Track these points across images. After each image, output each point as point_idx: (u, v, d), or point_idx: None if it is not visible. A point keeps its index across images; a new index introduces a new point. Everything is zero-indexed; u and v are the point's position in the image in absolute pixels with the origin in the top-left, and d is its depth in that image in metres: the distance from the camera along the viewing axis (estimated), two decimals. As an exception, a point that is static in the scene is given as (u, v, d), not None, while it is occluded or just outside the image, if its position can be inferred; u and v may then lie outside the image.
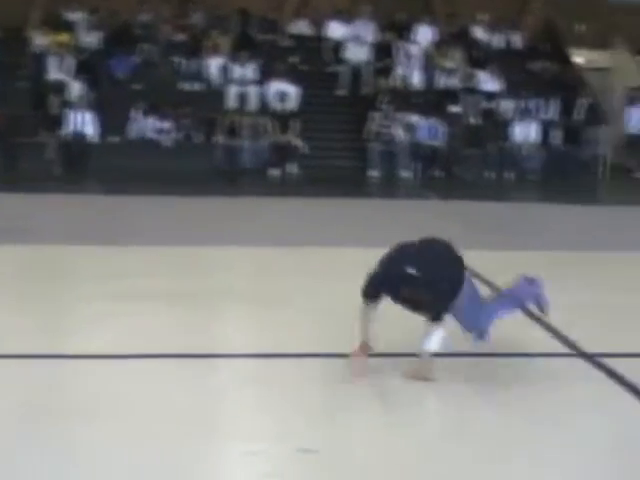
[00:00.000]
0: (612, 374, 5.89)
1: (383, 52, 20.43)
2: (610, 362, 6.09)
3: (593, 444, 4.82)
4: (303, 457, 4.49)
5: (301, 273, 8.86)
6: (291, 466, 4.45)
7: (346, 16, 20.96)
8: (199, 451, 4.51)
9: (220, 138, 17.72)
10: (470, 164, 18.62)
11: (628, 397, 5.54)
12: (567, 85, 20.79)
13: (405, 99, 19.10)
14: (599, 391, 5.68)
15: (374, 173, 17.92)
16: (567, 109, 20.03)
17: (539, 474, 4.42)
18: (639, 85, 21.16)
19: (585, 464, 4.55)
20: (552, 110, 19.89)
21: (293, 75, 19.22)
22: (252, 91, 18.74)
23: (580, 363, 6.20)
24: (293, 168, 17.79)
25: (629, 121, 20.42)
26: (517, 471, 4.47)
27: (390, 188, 17.15)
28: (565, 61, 21.57)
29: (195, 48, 19.58)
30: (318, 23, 21.03)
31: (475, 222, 12.39)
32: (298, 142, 17.89)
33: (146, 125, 18.00)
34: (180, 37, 20.00)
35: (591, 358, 6.22)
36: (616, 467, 4.56)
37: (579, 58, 22.21)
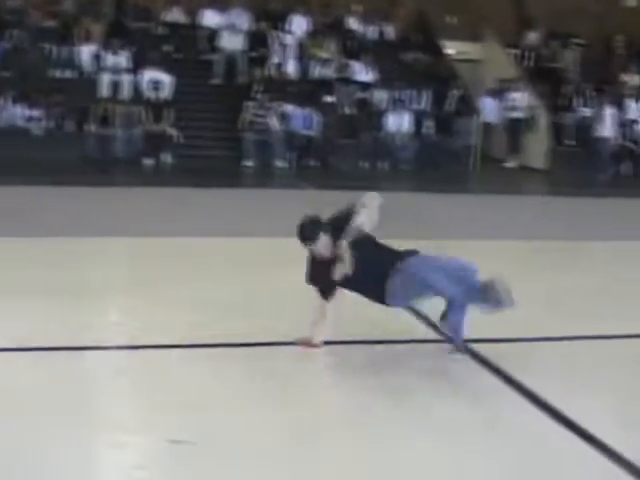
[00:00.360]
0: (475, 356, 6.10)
1: (258, 41, 20.41)
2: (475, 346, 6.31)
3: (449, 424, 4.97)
4: (173, 448, 4.49)
5: (171, 263, 8.84)
6: (160, 457, 4.45)
7: (221, 5, 20.85)
8: (65, 442, 4.48)
9: (92, 127, 17.45)
10: (344, 154, 18.77)
11: (489, 376, 5.74)
12: (439, 76, 21.16)
13: (280, 89, 19.14)
14: (463, 372, 5.86)
15: (249, 163, 17.91)
16: (439, 100, 20.38)
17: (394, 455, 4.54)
18: (508, 77, 21.66)
19: (429, 442, 4.70)
20: (424, 101, 20.22)
21: (167, 64, 19.04)
22: (125, 79, 18.51)
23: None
24: (167, 158, 17.64)
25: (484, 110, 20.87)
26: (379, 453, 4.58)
27: (265, 178, 17.18)
28: (437, 53, 21.92)
29: (66, 35, 19.20)
30: (192, 11, 20.86)
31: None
32: (172, 131, 17.75)
33: (15, 113, 17.60)
34: (50, 23, 19.58)
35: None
36: (482, 444, 4.72)
37: (450, 50, 22.61)
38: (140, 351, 6.07)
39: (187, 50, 20.32)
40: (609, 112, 20.04)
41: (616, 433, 4.95)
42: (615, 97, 21.42)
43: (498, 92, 21.27)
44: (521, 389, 5.54)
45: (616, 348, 6.69)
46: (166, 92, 18.46)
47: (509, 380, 5.70)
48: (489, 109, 20.87)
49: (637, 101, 21.25)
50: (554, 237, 11.27)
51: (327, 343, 6.22)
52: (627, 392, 5.76)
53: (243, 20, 20.56)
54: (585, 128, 20.66)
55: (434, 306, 6.31)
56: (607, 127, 19.98)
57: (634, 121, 20.65)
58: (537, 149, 20.43)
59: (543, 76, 22.01)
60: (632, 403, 5.54)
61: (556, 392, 5.46)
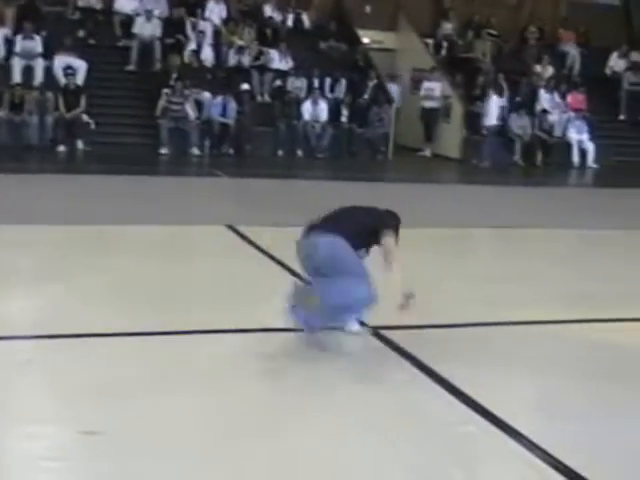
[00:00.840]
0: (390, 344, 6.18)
1: (174, 28, 20.26)
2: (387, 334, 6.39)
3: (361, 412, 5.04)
4: (85, 439, 4.47)
5: (85, 251, 8.77)
6: (72, 449, 4.43)
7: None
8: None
9: (4, 113, 17.12)
10: (261, 142, 18.76)
11: (406, 365, 5.83)
12: (355, 65, 21.28)
13: (196, 76, 19.04)
14: (378, 361, 5.94)
15: (164, 150, 17.79)
16: (355, 89, 20.47)
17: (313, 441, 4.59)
18: (424, 66, 21.86)
19: (351, 428, 4.76)
20: (340, 89, 20.30)
21: (81, 49, 18.79)
22: (38, 65, 18.19)
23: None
24: (81, 145, 17.42)
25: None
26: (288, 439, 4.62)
27: (180, 166, 17.08)
28: (353, 41, 22.01)
29: (-24, 18, 18.82)
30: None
31: (262, 199, 12.57)
32: (86, 118, 17.54)
33: None
34: (-40, 6, 19.18)
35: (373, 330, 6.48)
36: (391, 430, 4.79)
37: (366, 39, 22.71)
38: (53, 340, 6.02)
39: (102, 36, 20.05)
40: (494, 100, 20.36)
41: (529, 420, 5.08)
42: (528, 87, 21.82)
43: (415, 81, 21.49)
44: (434, 376, 5.63)
45: (531, 334, 6.85)
46: (80, 78, 18.20)
47: (422, 367, 5.79)
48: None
49: (550, 92, 21.62)
50: (468, 225, 11.44)
51: (243, 331, 6.29)
52: (540, 378, 5.89)
53: (159, 6, 20.38)
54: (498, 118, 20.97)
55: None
56: (492, 116, 20.32)
57: (546, 111, 21.01)
58: (451, 138, 20.67)
59: (458, 66, 22.27)
60: (545, 390, 5.68)
61: (469, 378, 5.57)
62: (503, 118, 20.63)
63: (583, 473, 4.39)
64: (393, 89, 21.34)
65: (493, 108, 20.22)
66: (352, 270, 5.97)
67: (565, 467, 4.45)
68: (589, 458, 4.61)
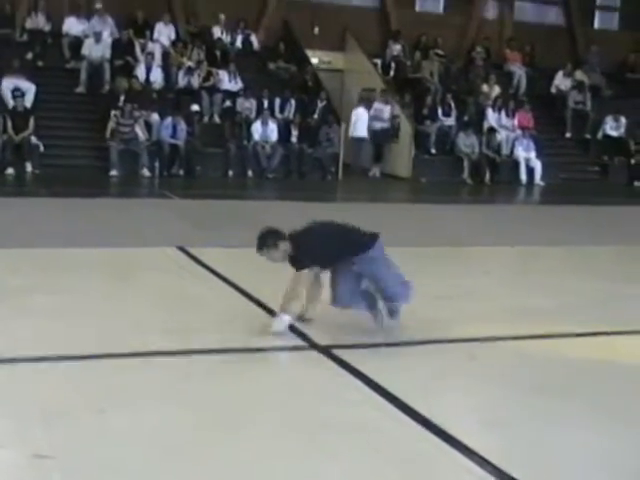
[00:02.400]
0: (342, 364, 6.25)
1: (123, 50, 20.26)
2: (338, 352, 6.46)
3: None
4: (37, 463, 4.48)
5: (33, 274, 8.73)
6: (24, 473, 4.43)
7: (84, 12, 20.61)
8: None
9: (-48, 136, 17.01)
10: (211, 163, 18.78)
11: (357, 383, 5.89)
12: (304, 85, 21.40)
13: (145, 98, 19.03)
14: (329, 379, 6.00)
15: (114, 172, 17.75)
16: (304, 109, 20.58)
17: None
18: (372, 87, 22.04)
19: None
20: (290, 110, 20.40)
21: (29, 71, 18.72)
22: (-14, 87, 18.10)
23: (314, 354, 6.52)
24: (30, 167, 17.31)
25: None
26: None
27: (130, 187, 17.03)
28: (302, 62, 22.14)
29: None
30: (55, 18, 20.50)
31: (213, 220, 12.59)
32: (35, 140, 17.44)
33: None
34: None
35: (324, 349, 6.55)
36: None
37: (315, 59, 22.85)
38: (3, 365, 6.00)
39: (50, 58, 20.01)
40: (361, 111, 20.60)
41: (480, 435, 5.15)
42: (476, 107, 22.09)
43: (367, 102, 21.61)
44: (385, 394, 5.69)
45: (481, 349, 6.96)
46: (29, 100, 18.11)
47: (373, 385, 5.85)
48: (362, 120, 21.06)
49: (497, 111, 21.90)
50: (416, 243, 11.53)
51: (191, 352, 6.32)
52: (490, 393, 5.99)
53: (107, 28, 20.35)
54: (447, 137, 21.21)
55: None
56: (359, 128, 20.57)
57: (494, 130, 21.26)
58: (400, 158, 20.83)
59: (406, 86, 22.48)
60: (495, 405, 5.77)
61: (420, 395, 5.65)
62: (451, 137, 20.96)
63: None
64: (360, 113, 21.27)
65: (359, 119, 20.51)
66: None
67: (513, 480, 4.54)
68: (539, 472, 4.70)
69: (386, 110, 20.99)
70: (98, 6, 20.46)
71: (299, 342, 6.77)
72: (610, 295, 9.09)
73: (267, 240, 6.74)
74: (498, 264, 10.98)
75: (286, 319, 6.68)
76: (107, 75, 19.59)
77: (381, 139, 21.03)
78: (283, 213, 13.57)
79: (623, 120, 22.85)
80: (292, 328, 6.94)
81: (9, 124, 17.33)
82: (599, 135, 23.04)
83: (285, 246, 6.71)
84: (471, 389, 6.03)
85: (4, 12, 20.17)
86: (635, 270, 10.59)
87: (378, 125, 21.00)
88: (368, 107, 21.18)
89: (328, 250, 6.78)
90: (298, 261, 6.70)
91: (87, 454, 4.64)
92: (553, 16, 26.61)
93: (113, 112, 18.12)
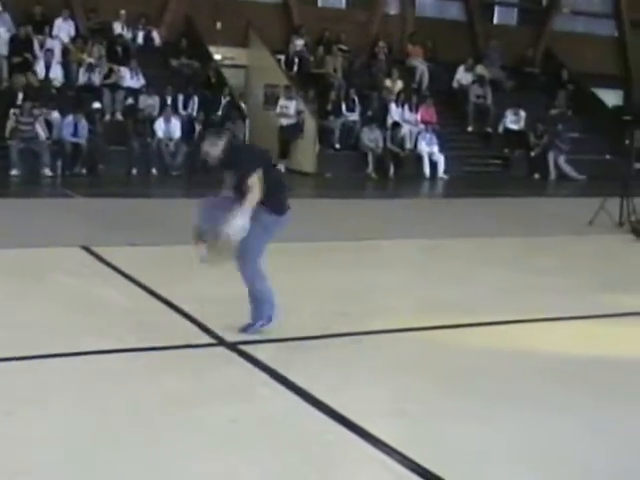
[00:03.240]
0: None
1: (21, 47, 19.84)
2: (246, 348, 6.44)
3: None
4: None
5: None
6: None
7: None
8: None
9: None
10: (114, 161, 18.55)
11: (265, 378, 5.88)
12: (207, 82, 21.28)
13: (45, 95, 18.71)
14: (237, 375, 5.98)
15: (15, 172, 17.40)
16: (208, 105, 20.47)
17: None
18: (276, 82, 22.04)
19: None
20: (193, 106, 20.27)
21: None
22: None
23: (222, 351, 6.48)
24: None
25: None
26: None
27: (31, 187, 16.72)
28: (205, 58, 22.00)
29: None
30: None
31: (117, 219, 12.43)
32: None
33: None
34: None
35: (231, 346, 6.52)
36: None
37: (218, 55, 22.73)
38: None
39: (-55, 55, 19.53)
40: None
41: (386, 425, 5.19)
42: (379, 102, 22.25)
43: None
44: (293, 387, 5.71)
45: (385, 342, 7.01)
46: None
47: (281, 379, 5.86)
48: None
49: (400, 105, 22.08)
50: (319, 238, 11.56)
51: (98, 352, 6.24)
52: (396, 384, 6.03)
53: (4, 24, 19.93)
54: (351, 132, 21.31)
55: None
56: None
57: (397, 125, 21.43)
58: (306, 153, 20.87)
59: (310, 82, 22.52)
60: (400, 395, 5.82)
61: (327, 388, 5.67)
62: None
63: (440, 474, 4.54)
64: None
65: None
66: None
67: (424, 470, 4.58)
68: (446, 460, 4.76)
69: (291, 106, 21.00)
70: (-2, 3, 20.05)
71: (208, 339, 6.74)
72: (514, 285, 9.25)
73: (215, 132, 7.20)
74: (403, 257, 11.07)
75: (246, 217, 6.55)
76: (5, 72, 19.19)
77: (287, 135, 21.02)
78: (188, 211, 13.49)
79: (522, 114, 23.26)
80: (199, 325, 6.92)
81: None
82: (500, 129, 23.40)
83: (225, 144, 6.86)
84: (377, 380, 6.07)
85: None
86: (537, 260, 10.79)
87: (285, 121, 20.99)
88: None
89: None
90: (247, 164, 6.77)
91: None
92: (454, 11, 26.94)
93: (12, 110, 17.76)
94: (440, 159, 21.17)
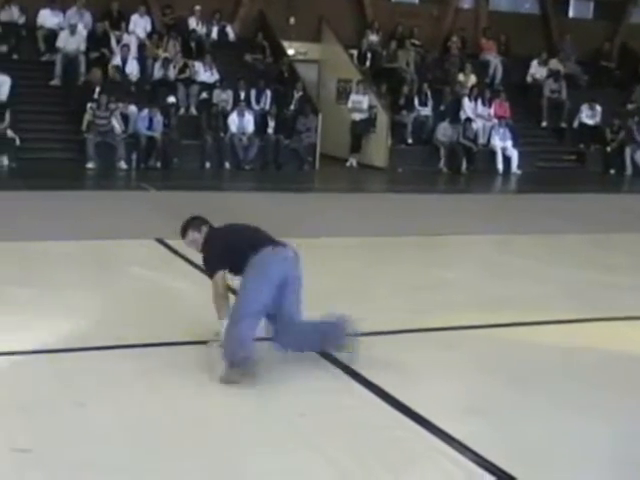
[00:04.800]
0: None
1: (98, 42, 20.16)
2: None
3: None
4: (16, 457, 4.49)
5: (11, 267, 8.71)
6: (3, 467, 4.43)
7: (59, 4, 20.50)
8: None
9: None
10: (188, 155, 18.74)
11: (337, 372, 5.91)
12: (280, 76, 21.38)
13: (121, 90, 18.96)
14: (308, 368, 6.02)
15: (91, 165, 17.68)
16: (281, 100, 20.57)
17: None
18: (349, 77, 22.07)
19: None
20: (266, 101, 20.37)
21: (4, 64, 18.60)
22: (-40, 81, 17.99)
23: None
24: (6, 160, 17.23)
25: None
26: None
27: (107, 180, 16.99)
28: (278, 53, 22.10)
29: None
30: (29, 11, 20.36)
31: (190, 212, 12.53)
32: (11, 134, 17.36)
33: None
34: None
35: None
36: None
37: (291, 50, 22.83)
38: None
39: (25, 50, 19.89)
40: None
41: (457, 421, 5.20)
42: (452, 96, 22.14)
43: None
44: (365, 382, 5.74)
45: (456, 338, 7.01)
46: (4, 93, 18.01)
47: (353, 373, 5.90)
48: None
49: (473, 100, 21.96)
50: (393, 233, 11.58)
51: (171, 344, 6.33)
52: (467, 381, 6.04)
53: (83, 20, 20.24)
54: (423, 126, 21.26)
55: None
56: None
57: (470, 120, 21.31)
58: (377, 148, 20.87)
59: (382, 76, 22.49)
60: (472, 392, 5.82)
61: (398, 383, 5.70)
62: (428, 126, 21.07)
63: (511, 472, 4.54)
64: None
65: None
66: None
67: (493, 466, 4.58)
68: (518, 458, 4.76)
69: (364, 101, 21.00)
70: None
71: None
72: (585, 283, 9.17)
73: (191, 223, 6.30)
74: (472, 253, 11.04)
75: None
76: (82, 68, 19.48)
77: (359, 129, 21.03)
78: (260, 204, 13.61)
79: (598, 108, 22.94)
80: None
81: (-16, 117, 17.25)
82: (575, 124, 23.11)
83: (199, 235, 6.19)
84: (448, 377, 6.07)
85: (-23, 5, 20.06)
86: (609, 258, 10.69)
87: (357, 116, 21.01)
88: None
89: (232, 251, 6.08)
90: (206, 264, 6.19)
91: (66, 448, 4.65)
92: (528, 5, 26.69)
93: (89, 105, 18.04)
94: (513, 154, 21.00)
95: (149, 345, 6.38)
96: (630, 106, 24.20)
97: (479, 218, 13.49)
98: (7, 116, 17.37)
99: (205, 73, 20.25)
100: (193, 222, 6.27)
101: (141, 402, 5.35)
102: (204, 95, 19.99)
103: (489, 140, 21.30)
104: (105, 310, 7.24)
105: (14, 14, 20.16)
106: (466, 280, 9.19)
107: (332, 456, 4.69)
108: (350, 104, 21.15)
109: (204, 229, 6.20)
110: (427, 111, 21.50)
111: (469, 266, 10.09)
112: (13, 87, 18.19)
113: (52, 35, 19.85)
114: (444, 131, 20.75)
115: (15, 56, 19.64)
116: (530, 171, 20.86)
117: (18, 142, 17.44)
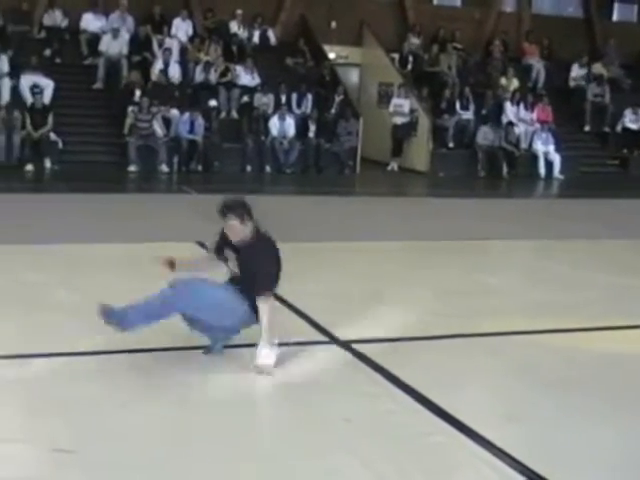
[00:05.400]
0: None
1: (140, 46, 20.29)
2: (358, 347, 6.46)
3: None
4: (57, 457, 4.50)
5: (53, 270, 8.76)
6: (45, 467, 4.45)
7: (102, 8, 20.66)
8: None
9: (-29, 133, 17.04)
10: (229, 158, 18.80)
11: (377, 378, 5.89)
12: (321, 80, 21.39)
13: (163, 93, 19.05)
14: (349, 373, 6.00)
15: (133, 168, 17.79)
16: (321, 104, 20.57)
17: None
18: (390, 81, 22.03)
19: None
20: (307, 104, 20.38)
21: (47, 68, 18.78)
22: (4, 84, 18.14)
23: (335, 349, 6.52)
24: (49, 163, 17.38)
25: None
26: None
27: (149, 183, 17.07)
28: (319, 57, 22.11)
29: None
30: (72, 15, 20.54)
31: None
32: (54, 137, 17.50)
33: None
34: None
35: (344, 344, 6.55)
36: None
37: (332, 54, 22.84)
38: (22, 360, 6.03)
39: (68, 54, 20.07)
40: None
41: (498, 428, 5.16)
42: (494, 100, 22.02)
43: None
44: (406, 388, 5.71)
45: (499, 344, 6.95)
46: (47, 97, 18.18)
47: (394, 379, 5.86)
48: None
49: (515, 104, 21.83)
50: (435, 237, 11.54)
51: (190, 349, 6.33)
52: (509, 387, 5.99)
53: (125, 24, 20.39)
54: (465, 130, 21.17)
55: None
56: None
57: (512, 124, 21.19)
58: (418, 152, 20.80)
59: (424, 80, 22.42)
60: (514, 398, 5.77)
61: (439, 389, 5.66)
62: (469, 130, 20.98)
63: (550, 478, 4.49)
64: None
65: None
66: None
67: (534, 473, 4.53)
68: (558, 465, 4.71)
69: (406, 104, 20.95)
70: (120, 2, 20.47)
71: (321, 337, 6.79)
72: (625, 289, 9.06)
73: (235, 208, 6.10)
74: (510, 258, 10.96)
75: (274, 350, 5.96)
76: (124, 71, 19.62)
77: (401, 133, 20.98)
78: (301, 208, 13.62)
79: (642, 113, 22.74)
80: (311, 322, 6.98)
81: (28, 120, 17.38)
82: (618, 128, 22.91)
83: (241, 226, 6.07)
84: (490, 383, 6.03)
85: (22, 9, 20.23)
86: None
87: (399, 120, 20.96)
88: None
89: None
90: (266, 277, 5.99)
91: (108, 448, 4.66)
92: (571, 8, 26.49)
93: (131, 108, 18.16)
94: (556, 159, 20.85)
95: (191, 348, 6.34)
96: (674, 110, 23.93)
97: (520, 223, 13.39)
98: (50, 119, 17.52)
99: (246, 77, 20.30)
100: (237, 209, 6.08)
101: (186, 403, 5.34)
102: (245, 99, 20.04)
103: (531, 144, 21.17)
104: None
105: (57, 18, 20.36)
106: (507, 285, 9.12)
107: (374, 463, 4.66)
108: (391, 108, 21.11)
109: (248, 224, 6.08)
110: (469, 115, 21.41)
111: (510, 271, 10.01)
112: (56, 90, 18.36)
113: (95, 39, 20.02)
114: (485, 135, 20.64)
115: (58, 60, 19.83)
116: (572, 176, 20.68)
117: (61, 145, 17.60)
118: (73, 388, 5.48)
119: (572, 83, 23.76)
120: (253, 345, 5.96)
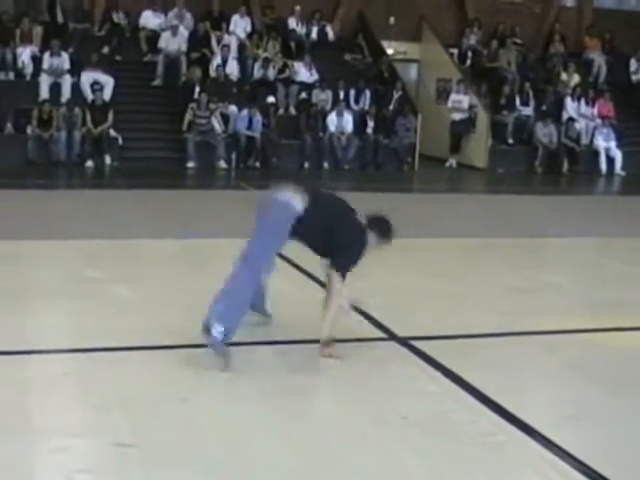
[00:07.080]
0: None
1: (199, 42, 20.37)
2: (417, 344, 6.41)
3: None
4: (117, 451, 4.52)
5: (113, 265, 8.82)
6: (106, 461, 4.47)
7: (161, 6, 20.79)
8: (6, 448, 4.47)
9: (33, 129, 17.25)
10: (287, 154, 18.81)
11: (436, 375, 5.84)
12: (379, 76, 21.32)
13: (221, 90, 19.12)
14: (407, 371, 5.95)
15: (191, 164, 17.88)
16: (380, 100, 20.50)
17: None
18: (449, 77, 21.90)
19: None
20: (365, 101, 20.32)
21: (107, 65, 18.95)
22: (65, 81, 18.35)
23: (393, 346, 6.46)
24: (109, 160, 17.54)
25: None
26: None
27: (207, 179, 17.16)
28: (377, 53, 22.05)
29: (5, 36, 18.94)
30: (132, 12, 20.72)
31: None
32: (114, 133, 17.66)
33: (-46, 116, 17.36)
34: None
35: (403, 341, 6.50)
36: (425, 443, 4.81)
37: (390, 50, 22.75)
38: (85, 354, 6.07)
39: (128, 51, 20.23)
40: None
41: (561, 428, 5.08)
42: (554, 96, 21.79)
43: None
44: (465, 385, 5.65)
45: (559, 342, 6.86)
46: (107, 94, 18.34)
47: (453, 377, 5.80)
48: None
49: (576, 100, 21.58)
50: (494, 235, 11.44)
51: (273, 343, 6.32)
52: (570, 387, 5.90)
53: (184, 21, 20.50)
54: (524, 126, 20.97)
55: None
56: None
57: (573, 120, 20.94)
58: (477, 148, 20.65)
59: (483, 76, 22.26)
60: (575, 398, 5.69)
61: (500, 388, 5.58)
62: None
63: (613, 479, 4.41)
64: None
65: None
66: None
67: (596, 474, 4.45)
68: (621, 467, 4.62)
69: (465, 100, 20.80)
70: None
71: (379, 333, 6.75)
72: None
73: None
74: (577, 256, 10.81)
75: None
76: (184, 68, 19.73)
77: (459, 129, 20.85)
78: (359, 204, 13.54)
79: None
80: (369, 318, 6.94)
81: (88, 117, 17.56)
82: (682, 123, 22.56)
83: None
84: (548, 381, 5.95)
85: (82, 7, 20.45)
86: None
87: (457, 116, 20.83)
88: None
89: None
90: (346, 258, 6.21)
91: (169, 443, 4.67)
92: (633, 2, 26.09)
93: (190, 104, 18.24)
94: (617, 155, 20.59)
95: (257, 344, 6.33)
96: None
97: (581, 220, 13.23)
98: (110, 116, 17.68)
99: (304, 73, 20.31)
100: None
101: (245, 399, 5.33)
102: (303, 95, 20.06)
103: (592, 140, 20.91)
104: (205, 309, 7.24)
105: (118, 16, 20.53)
106: (567, 283, 9.00)
107: (433, 461, 4.62)
108: (450, 104, 20.99)
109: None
110: (528, 111, 21.21)
111: (570, 269, 9.88)
112: (116, 87, 18.54)
113: (154, 36, 20.15)
114: (544, 131, 20.42)
115: (118, 57, 19.98)
116: (635, 172, 20.38)
117: (120, 141, 17.76)
118: (134, 382, 5.49)
119: (634, 78, 23.40)
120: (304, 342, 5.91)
